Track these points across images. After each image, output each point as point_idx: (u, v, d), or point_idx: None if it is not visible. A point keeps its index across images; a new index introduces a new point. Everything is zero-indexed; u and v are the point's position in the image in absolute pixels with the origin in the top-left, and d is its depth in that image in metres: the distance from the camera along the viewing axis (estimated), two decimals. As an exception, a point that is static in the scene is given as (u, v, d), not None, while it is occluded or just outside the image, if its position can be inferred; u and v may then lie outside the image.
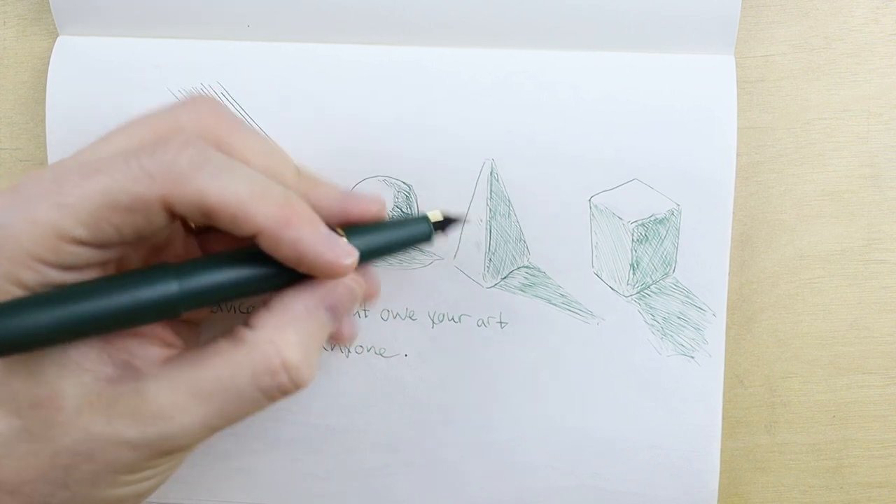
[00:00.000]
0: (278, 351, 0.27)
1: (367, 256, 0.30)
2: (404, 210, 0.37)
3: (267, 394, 0.27)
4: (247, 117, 0.37)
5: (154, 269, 0.26)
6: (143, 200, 0.25)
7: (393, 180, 0.37)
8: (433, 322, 0.37)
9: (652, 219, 0.36)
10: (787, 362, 0.38)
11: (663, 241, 0.36)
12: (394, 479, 0.38)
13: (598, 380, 0.37)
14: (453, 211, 0.34)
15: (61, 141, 0.37)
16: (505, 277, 0.37)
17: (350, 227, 0.30)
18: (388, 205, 0.37)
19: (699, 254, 0.36)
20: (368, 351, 0.37)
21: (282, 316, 0.28)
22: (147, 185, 0.25)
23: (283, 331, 0.27)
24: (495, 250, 0.37)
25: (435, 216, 0.33)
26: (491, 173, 0.36)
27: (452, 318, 0.37)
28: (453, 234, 0.36)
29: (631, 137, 0.36)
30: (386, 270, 0.37)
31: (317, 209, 0.29)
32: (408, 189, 0.37)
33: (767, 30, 0.38)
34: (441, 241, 0.36)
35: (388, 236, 0.31)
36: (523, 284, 0.37)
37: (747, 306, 0.38)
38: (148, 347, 0.28)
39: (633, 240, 0.36)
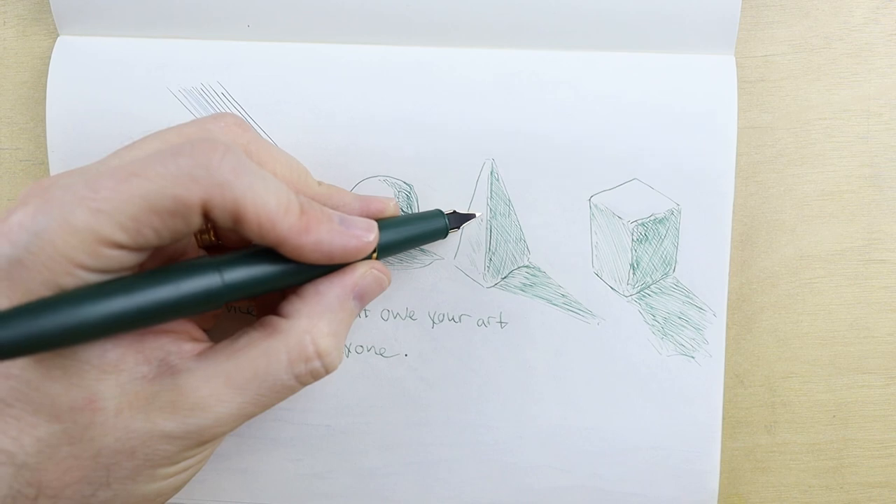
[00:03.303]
0: (313, 339, 0.28)
1: (387, 248, 0.32)
2: (404, 210, 0.37)
3: (301, 380, 0.28)
4: (247, 117, 0.37)
5: (196, 262, 0.27)
6: (184, 203, 0.25)
7: (393, 180, 0.37)
8: (433, 322, 0.37)
9: (652, 218, 0.36)
10: (788, 362, 0.38)
11: (663, 240, 0.36)
12: (394, 479, 0.38)
13: (599, 380, 0.37)
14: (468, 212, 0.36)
15: (61, 141, 0.37)
16: (505, 277, 0.37)
17: None
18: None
19: (699, 254, 0.36)
20: (368, 351, 0.37)
21: (315, 305, 0.29)
22: (188, 187, 0.25)
23: (317, 320, 0.29)
24: (495, 250, 0.37)
25: (447, 212, 0.35)
26: (491, 173, 0.36)
27: (452, 318, 0.37)
28: (464, 231, 0.37)
29: (631, 137, 0.36)
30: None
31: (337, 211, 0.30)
32: (408, 189, 0.37)
33: (767, 30, 0.38)
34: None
35: (407, 229, 0.33)
36: (523, 284, 0.37)
37: (747, 306, 0.38)
38: (181, 344, 0.28)
39: (633, 240, 0.36)
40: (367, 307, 0.37)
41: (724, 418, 0.37)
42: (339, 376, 0.37)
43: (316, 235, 0.28)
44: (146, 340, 0.27)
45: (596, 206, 0.36)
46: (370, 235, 0.30)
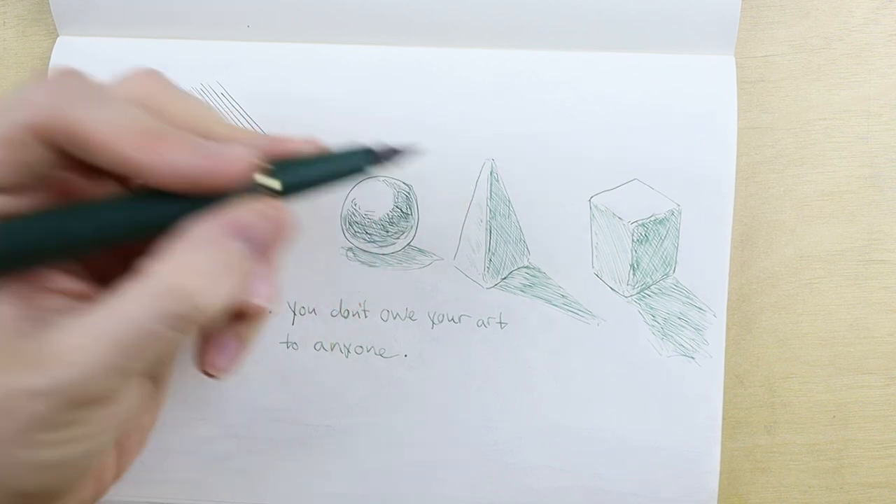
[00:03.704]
0: (180, 279, 0.25)
1: (293, 187, 0.28)
2: (404, 210, 0.37)
3: (170, 324, 0.25)
4: (246, 117, 0.37)
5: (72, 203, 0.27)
6: (21, 131, 0.25)
7: (393, 180, 0.37)
8: (433, 322, 0.37)
9: (652, 219, 0.36)
10: (788, 363, 0.38)
11: (663, 241, 0.36)
12: (394, 479, 0.38)
13: (598, 380, 0.37)
14: (400, 144, 0.30)
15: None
16: (505, 278, 0.37)
17: (279, 162, 0.28)
18: (388, 205, 0.37)
19: (699, 254, 0.36)
20: (368, 351, 0.37)
21: (183, 242, 0.26)
22: (13, 114, 0.25)
23: (185, 257, 0.25)
24: (495, 250, 0.37)
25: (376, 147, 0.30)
26: (491, 173, 0.36)
27: (452, 319, 0.37)
28: (464, 230, 0.36)
29: (631, 138, 0.36)
30: (385, 270, 0.37)
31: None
32: (408, 189, 0.37)
33: (767, 30, 0.38)
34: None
35: (318, 166, 0.29)
36: (523, 285, 0.37)
37: (747, 307, 0.38)
38: (60, 300, 0.27)
39: (633, 240, 0.36)
40: (367, 308, 0.37)
41: (724, 419, 0.37)
42: (338, 376, 0.37)
43: (170, 155, 0.25)
44: (22, 293, 0.26)
45: (596, 206, 0.36)
46: (237, 155, 0.26)
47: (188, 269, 0.25)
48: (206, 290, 0.25)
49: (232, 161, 0.26)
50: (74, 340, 0.24)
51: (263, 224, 0.27)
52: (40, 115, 0.25)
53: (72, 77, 0.26)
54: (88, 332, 0.24)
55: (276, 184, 0.27)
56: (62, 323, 0.25)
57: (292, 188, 0.28)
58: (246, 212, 0.26)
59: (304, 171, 0.28)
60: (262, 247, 0.27)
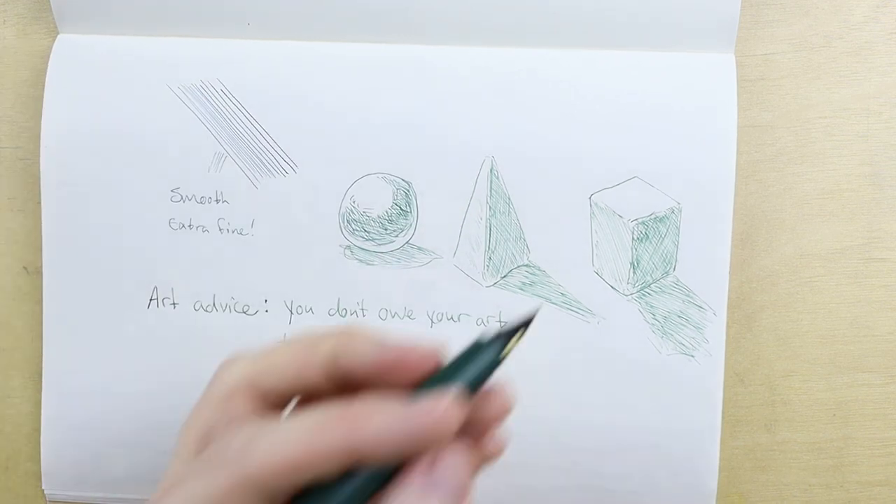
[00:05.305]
0: None
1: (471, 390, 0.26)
2: (403, 208, 0.37)
3: None
4: (247, 115, 0.37)
5: None
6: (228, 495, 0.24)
7: (392, 177, 0.37)
8: (432, 321, 0.37)
9: (652, 217, 0.36)
10: (788, 361, 0.38)
11: (663, 239, 0.36)
12: (393, 478, 0.38)
13: (598, 379, 0.37)
14: (516, 318, 0.28)
15: (57, 139, 0.37)
16: (504, 276, 0.37)
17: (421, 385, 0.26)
18: (387, 202, 0.37)
19: (699, 252, 0.36)
20: (368, 349, 0.37)
21: None
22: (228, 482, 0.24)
23: None
24: (495, 249, 0.37)
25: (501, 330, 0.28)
26: (491, 171, 0.36)
27: (451, 318, 0.37)
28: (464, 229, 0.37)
29: (631, 136, 0.36)
30: (384, 269, 0.37)
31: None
32: (407, 186, 0.37)
33: (767, 28, 0.38)
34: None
35: (459, 378, 0.26)
36: (523, 283, 0.37)
37: (747, 305, 0.38)
38: None
39: (633, 238, 0.36)
40: (364, 307, 0.37)
41: (724, 417, 0.37)
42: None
43: (374, 426, 0.23)
44: None
45: (596, 204, 0.36)
46: (441, 402, 0.24)
47: None
48: None
49: (445, 411, 0.24)
50: None
51: (463, 471, 0.25)
52: (241, 475, 0.24)
53: (242, 423, 0.25)
54: None
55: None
56: None
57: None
58: (454, 462, 0.24)
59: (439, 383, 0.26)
60: (460, 485, 0.25)
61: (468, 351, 0.27)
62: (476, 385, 0.26)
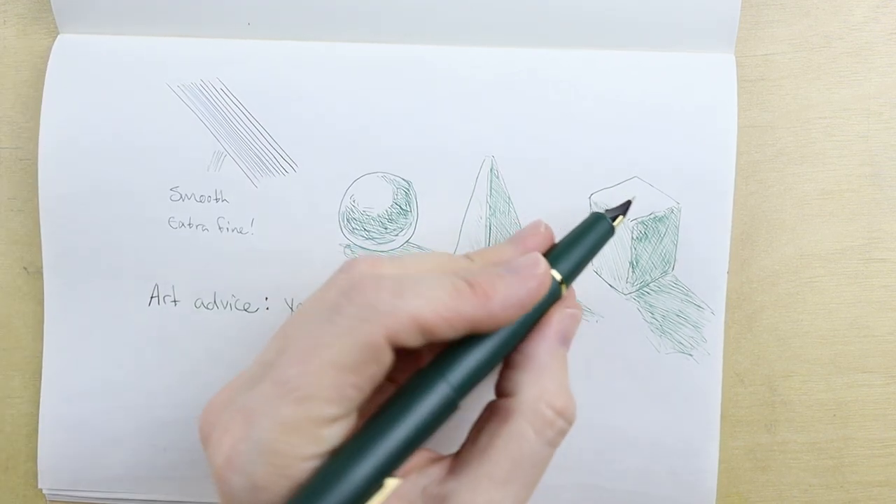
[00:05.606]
0: (548, 403, 0.28)
1: (569, 273, 0.31)
2: (403, 207, 0.37)
3: (553, 444, 0.28)
4: (247, 115, 0.37)
5: (420, 384, 0.27)
6: (373, 347, 0.25)
7: (392, 176, 0.37)
8: (433, 321, 0.37)
9: (652, 217, 0.36)
10: (788, 361, 0.38)
11: (663, 239, 0.36)
12: (393, 477, 0.38)
13: (597, 377, 0.37)
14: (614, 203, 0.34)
15: (56, 138, 0.37)
16: (504, 276, 0.37)
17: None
18: (387, 201, 0.37)
19: (698, 252, 0.36)
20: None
21: (533, 371, 0.29)
22: (369, 332, 0.25)
23: (543, 383, 0.28)
24: (495, 248, 0.37)
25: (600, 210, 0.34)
26: (491, 170, 0.36)
27: (452, 317, 0.37)
28: (464, 228, 0.37)
29: (631, 136, 0.36)
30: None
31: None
32: (407, 185, 0.37)
33: (767, 28, 0.38)
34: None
35: (578, 247, 0.32)
36: (523, 283, 0.37)
37: (748, 305, 0.38)
38: (427, 471, 0.28)
39: (632, 238, 0.36)
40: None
41: (724, 417, 0.37)
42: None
43: (499, 297, 0.27)
44: (403, 487, 0.27)
45: (596, 204, 0.36)
46: (539, 266, 0.29)
47: (549, 392, 0.28)
48: (569, 403, 0.28)
49: (543, 276, 0.29)
50: (483, 498, 0.26)
51: (574, 323, 0.31)
52: (396, 321, 0.25)
53: (375, 278, 0.26)
54: (489, 487, 0.26)
55: (558, 276, 0.30)
56: (454, 488, 0.26)
57: (569, 276, 0.31)
58: (562, 321, 0.30)
59: (569, 257, 0.31)
60: (573, 336, 0.31)
61: (584, 225, 0.33)
62: (592, 254, 0.32)
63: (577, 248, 0.32)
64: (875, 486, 0.38)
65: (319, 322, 0.26)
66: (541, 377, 0.28)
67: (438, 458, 0.29)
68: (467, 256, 0.31)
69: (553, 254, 0.31)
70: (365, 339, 0.25)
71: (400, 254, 0.37)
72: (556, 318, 0.30)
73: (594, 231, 0.32)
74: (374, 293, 0.26)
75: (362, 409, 0.27)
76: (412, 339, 0.26)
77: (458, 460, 0.28)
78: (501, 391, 0.29)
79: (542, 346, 0.29)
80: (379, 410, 0.27)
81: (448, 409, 0.27)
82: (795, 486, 0.38)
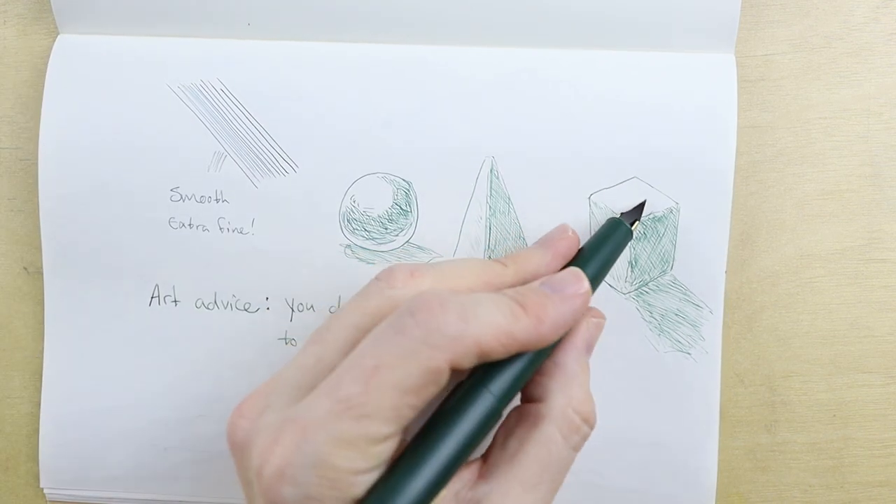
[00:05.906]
0: (575, 409, 0.29)
1: (595, 280, 0.32)
2: (403, 207, 0.37)
3: (577, 448, 0.29)
4: (247, 115, 0.37)
5: (466, 398, 0.28)
6: (435, 372, 0.25)
7: (392, 177, 0.37)
8: (433, 321, 0.37)
9: (651, 217, 0.36)
10: (788, 361, 0.38)
11: (662, 238, 0.36)
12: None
13: (595, 376, 0.37)
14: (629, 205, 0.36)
15: (56, 138, 0.37)
16: (504, 276, 0.37)
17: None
18: (387, 202, 0.37)
19: (697, 252, 0.36)
20: (367, 349, 0.37)
21: (562, 378, 0.30)
22: (433, 356, 0.25)
23: (570, 391, 0.30)
24: (494, 248, 0.37)
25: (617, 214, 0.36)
26: (491, 170, 0.36)
27: (452, 318, 0.37)
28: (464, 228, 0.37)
29: (631, 136, 0.36)
30: (382, 268, 0.37)
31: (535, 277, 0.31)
32: (407, 186, 0.37)
33: (768, 29, 0.38)
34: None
35: (601, 255, 0.33)
36: (523, 283, 0.37)
37: (748, 305, 0.38)
38: (459, 475, 0.28)
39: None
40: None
41: (724, 417, 0.37)
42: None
43: (549, 320, 0.28)
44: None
45: (595, 203, 0.36)
46: (583, 285, 0.30)
47: (576, 398, 0.29)
48: (593, 409, 0.30)
49: (586, 294, 0.30)
50: (512, 502, 0.27)
51: (598, 332, 0.32)
52: (461, 346, 0.26)
53: (440, 299, 0.27)
54: (519, 489, 0.28)
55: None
56: (485, 492, 0.27)
57: (594, 284, 0.32)
58: (590, 329, 0.32)
59: (594, 265, 0.33)
60: (594, 345, 0.33)
61: (604, 231, 0.34)
62: (614, 260, 0.34)
63: (600, 255, 0.33)
64: (875, 487, 0.38)
65: (382, 340, 0.26)
66: (569, 384, 0.30)
67: (468, 463, 0.29)
68: (500, 262, 0.32)
69: (578, 262, 0.32)
70: (428, 364, 0.25)
71: (400, 254, 0.37)
72: (584, 327, 0.31)
73: (614, 237, 0.34)
74: (442, 317, 0.26)
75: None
76: (469, 362, 0.26)
77: (489, 464, 0.29)
78: (530, 397, 0.30)
79: (570, 354, 0.30)
80: (428, 424, 0.27)
81: (494, 419, 0.28)
82: (795, 486, 0.38)
